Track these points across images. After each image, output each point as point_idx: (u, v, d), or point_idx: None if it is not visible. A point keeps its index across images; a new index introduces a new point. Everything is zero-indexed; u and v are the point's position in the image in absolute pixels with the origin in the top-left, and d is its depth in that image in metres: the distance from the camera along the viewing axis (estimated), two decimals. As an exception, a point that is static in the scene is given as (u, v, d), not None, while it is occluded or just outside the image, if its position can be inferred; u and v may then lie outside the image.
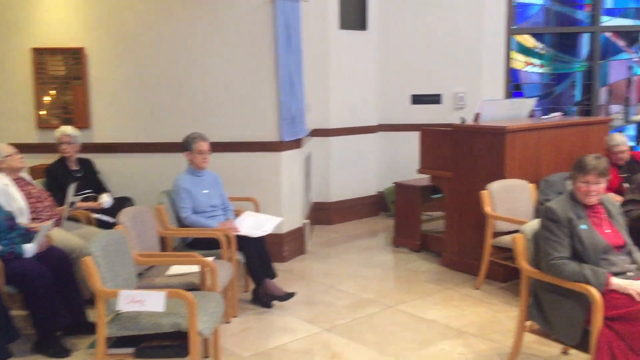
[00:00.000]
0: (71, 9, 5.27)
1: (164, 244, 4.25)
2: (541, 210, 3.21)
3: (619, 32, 7.52)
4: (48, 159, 5.03)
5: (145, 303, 2.84)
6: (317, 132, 6.68)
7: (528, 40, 7.60)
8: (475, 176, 4.86)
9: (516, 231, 3.37)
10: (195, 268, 3.67)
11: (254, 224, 4.45)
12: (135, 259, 3.42)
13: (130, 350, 2.94)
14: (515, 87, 7.64)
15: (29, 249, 3.62)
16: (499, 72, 7.21)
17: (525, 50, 7.61)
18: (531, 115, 5.97)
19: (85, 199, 4.77)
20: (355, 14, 6.91)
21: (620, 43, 7.57)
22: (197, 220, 4.33)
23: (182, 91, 5.26)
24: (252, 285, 4.49)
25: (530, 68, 7.67)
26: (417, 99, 7.18)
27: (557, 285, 3.01)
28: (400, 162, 7.00)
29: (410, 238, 5.82)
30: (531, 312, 3.21)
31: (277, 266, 4.79)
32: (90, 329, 3.57)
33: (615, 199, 3.83)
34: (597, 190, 3.09)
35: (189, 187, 4.37)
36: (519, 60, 7.60)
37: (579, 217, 3.06)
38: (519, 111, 5.77)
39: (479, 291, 4.65)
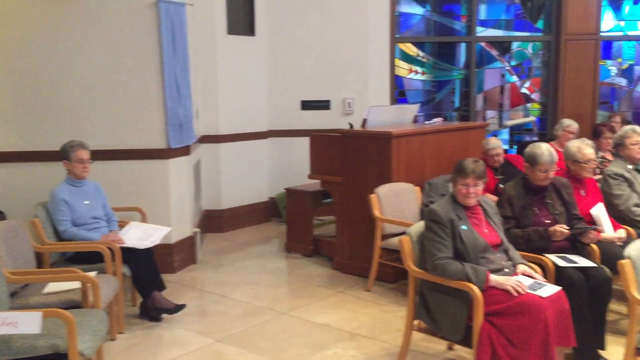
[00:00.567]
0: None
1: (41, 259, 3.97)
2: (425, 213, 3.33)
3: (493, 42, 8.04)
4: None
5: (19, 325, 2.63)
6: (206, 139, 6.55)
7: (410, 49, 7.93)
8: (364, 180, 4.98)
9: (404, 233, 3.47)
10: (76, 284, 3.46)
11: (141, 235, 4.28)
12: (6, 277, 3.16)
13: (1, 377, 2.71)
14: (400, 93, 7.93)
15: None
16: (384, 78, 7.45)
17: (408, 58, 7.93)
18: (415, 121, 6.21)
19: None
20: (242, 20, 6.87)
21: (494, 52, 8.09)
22: (77, 233, 4.09)
23: (58, 97, 4.93)
24: (139, 299, 4.31)
25: (413, 75, 8.00)
26: (307, 105, 7.25)
27: (441, 285, 3.14)
28: (291, 167, 7.04)
29: (302, 243, 5.85)
30: (418, 312, 3.32)
31: (167, 277, 4.65)
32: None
33: (492, 199, 4.06)
34: (476, 192, 3.25)
35: (67, 198, 4.13)
36: (403, 68, 7.91)
37: (459, 218, 3.20)
38: (404, 117, 6.00)
39: (370, 293, 4.75)
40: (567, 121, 5.92)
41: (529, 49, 8.07)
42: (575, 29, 7.63)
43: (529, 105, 8.18)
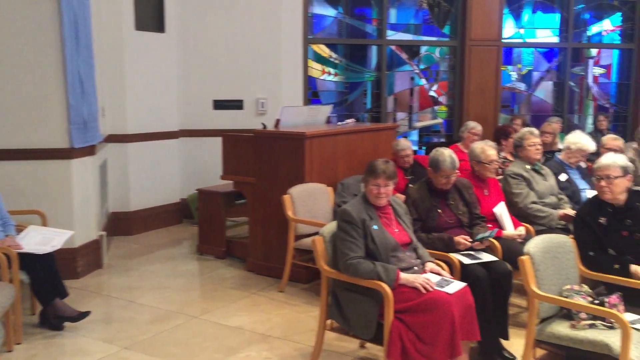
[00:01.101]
0: None
1: None
2: (338, 213, 3.36)
3: (402, 45, 8.26)
4: None
5: None
6: (113, 138, 6.30)
7: (323, 50, 7.99)
8: (277, 181, 4.96)
9: (317, 233, 3.48)
10: (-34, 294, 3.22)
11: (41, 240, 4.04)
12: None
13: None
14: (313, 94, 7.98)
15: None
16: (297, 79, 7.46)
17: (321, 59, 7.99)
18: (328, 122, 6.27)
19: None
20: (151, 16, 6.66)
21: (404, 56, 8.31)
22: (-31, 239, 3.81)
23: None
24: (39, 307, 4.07)
25: (326, 76, 8.07)
26: (219, 105, 7.14)
27: (353, 284, 3.17)
28: (203, 168, 6.89)
29: (215, 245, 5.75)
30: (331, 311, 3.34)
31: (70, 283, 4.43)
32: None
33: (402, 199, 4.16)
34: (387, 192, 3.32)
35: (-43, 201, 3.83)
36: (316, 69, 7.96)
37: (371, 218, 3.25)
38: (317, 117, 6.03)
39: (283, 294, 4.73)
40: (471, 123, 6.18)
41: (437, 53, 8.36)
42: (479, 35, 7.98)
43: (436, 107, 8.47)
